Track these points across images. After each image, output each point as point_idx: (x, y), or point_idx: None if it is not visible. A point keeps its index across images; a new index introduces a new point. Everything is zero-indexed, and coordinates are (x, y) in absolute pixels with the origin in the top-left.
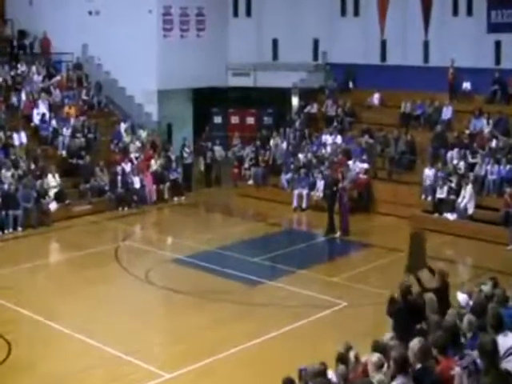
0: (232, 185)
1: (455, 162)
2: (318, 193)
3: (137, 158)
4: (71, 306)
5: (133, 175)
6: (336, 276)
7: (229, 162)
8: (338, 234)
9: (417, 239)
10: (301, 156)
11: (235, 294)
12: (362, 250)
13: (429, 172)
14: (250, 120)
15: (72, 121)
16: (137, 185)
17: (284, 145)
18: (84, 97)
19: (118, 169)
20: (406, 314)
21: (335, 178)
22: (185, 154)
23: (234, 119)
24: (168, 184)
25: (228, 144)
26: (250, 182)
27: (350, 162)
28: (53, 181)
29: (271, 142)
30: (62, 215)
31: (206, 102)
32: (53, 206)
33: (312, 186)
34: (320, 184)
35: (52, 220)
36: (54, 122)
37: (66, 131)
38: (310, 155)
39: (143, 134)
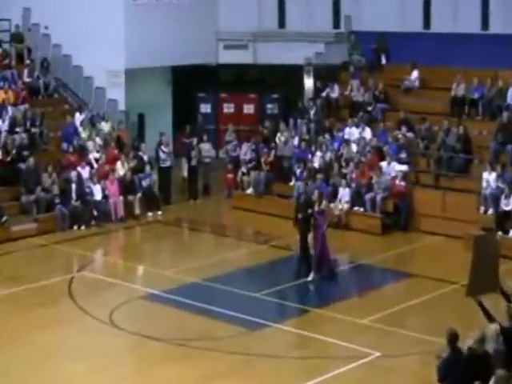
0: (225, 195)
1: None
2: (341, 205)
3: (97, 161)
4: (8, 357)
5: (92, 183)
6: (365, 317)
7: (220, 164)
8: (310, 277)
9: (484, 245)
10: (317, 156)
11: (229, 341)
12: (400, 282)
13: (489, 176)
14: (249, 108)
15: (9, 110)
16: (97, 196)
17: (295, 141)
18: (26, 78)
19: (73, 174)
20: (460, 368)
21: (309, 198)
22: (162, 155)
23: (228, 107)
24: (139, 195)
25: (219, 141)
26: (249, 190)
27: (383, 164)
28: None
29: (277, 138)
30: None
31: (190, 84)
32: None
33: (332, 196)
34: (344, 193)
35: None
36: None
37: (2, 124)
38: (329, 155)
39: (106, 127)
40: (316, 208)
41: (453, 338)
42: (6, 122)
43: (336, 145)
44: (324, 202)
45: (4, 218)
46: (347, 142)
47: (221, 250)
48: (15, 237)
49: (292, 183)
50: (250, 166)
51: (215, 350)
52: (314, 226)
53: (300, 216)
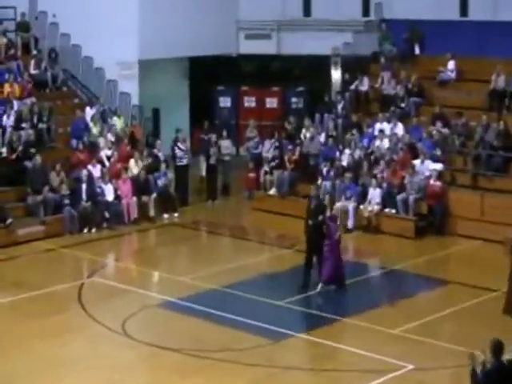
0: (246, 195)
1: None
2: (371, 207)
3: (109, 158)
4: (11, 368)
5: (103, 182)
6: (396, 327)
7: (241, 162)
8: (319, 286)
9: None
10: (345, 154)
11: (251, 352)
12: (434, 289)
13: None
14: (272, 102)
15: (15, 105)
16: (109, 196)
17: (321, 138)
18: (32, 70)
19: (83, 173)
20: (503, 382)
21: (321, 202)
22: (178, 152)
23: (249, 101)
24: (154, 195)
25: (240, 137)
26: (272, 191)
27: (417, 162)
28: None
29: (302, 134)
30: (0, 241)
31: (209, 77)
32: None
33: (362, 197)
34: (374, 194)
35: None
36: None
37: (7, 120)
38: (358, 152)
39: (118, 123)
40: (328, 213)
41: (498, 348)
42: (12, 118)
43: (365, 142)
44: (336, 207)
45: (9, 221)
46: (378, 139)
47: (241, 255)
48: (21, 240)
49: (318, 183)
50: (272, 164)
51: (236, 362)
52: (326, 234)
53: (310, 223)
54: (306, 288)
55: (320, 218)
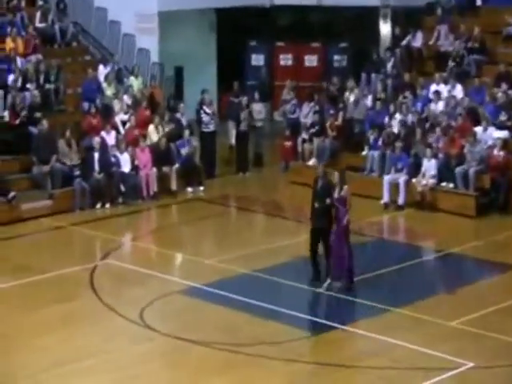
0: (281, 167)
1: None
2: (425, 180)
3: (125, 124)
4: (13, 365)
5: (119, 151)
6: (454, 318)
7: (276, 129)
8: (326, 283)
9: None
10: (396, 119)
11: (288, 346)
12: (498, 276)
13: None
14: (311, 60)
15: (19, 62)
16: (125, 167)
17: (368, 101)
18: (38, 24)
19: (95, 141)
20: None
21: (329, 182)
22: (204, 117)
23: (285, 59)
24: (176, 166)
25: (275, 100)
26: (312, 161)
27: (479, 129)
28: None
29: (346, 97)
30: (1, 218)
31: (239, 31)
32: None
33: (414, 170)
34: (429, 166)
35: None
36: None
37: (9, 79)
38: (410, 118)
39: (136, 84)
40: (336, 194)
41: None
42: (15, 77)
43: (419, 105)
44: (345, 187)
45: (11, 194)
46: (434, 102)
47: (276, 235)
48: (25, 217)
49: (364, 153)
50: (312, 131)
51: (271, 357)
52: (335, 219)
53: (316, 205)
54: (318, 280)
55: (328, 200)
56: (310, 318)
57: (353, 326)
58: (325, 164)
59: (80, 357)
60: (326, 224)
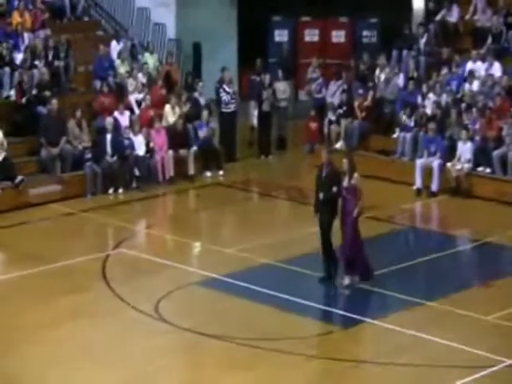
0: (306, 150)
1: None
2: (460, 164)
3: (140, 104)
4: (21, 361)
5: (133, 133)
6: (491, 313)
7: (301, 109)
8: (347, 281)
9: None
10: (429, 99)
11: (314, 342)
12: None
13: None
14: (339, 36)
15: (26, 38)
16: (140, 150)
17: (400, 79)
18: None
19: (108, 122)
20: None
21: (335, 170)
22: (224, 97)
23: (311, 35)
24: (194, 149)
25: (300, 79)
26: (339, 144)
27: None
28: None
29: (376, 76)
30: (8, 203)
31: (262, 5)
32: None
33: (449, 153)
34: (464, 149)
35: None
36: None
37: (16, 56)
38: (445, 97)
39: (151, 61)
40: (345, 183)
41: None
42: (22, 54)
43: (454, 84)
44: (355, 175)
45: (18, 179)
46: (469, 81)
47: (301, 223)
48: (33, 203)
49: (395, 135)
50: (339, 112)
51: (296, 353)
52: (341, 211)
53: (321, 197)
54: (328, 279)
55: (334, 189)
56: (336, 311)
57: (382, 320)
58: (330, 150)
59: (91, 352)
60: (332, 217)
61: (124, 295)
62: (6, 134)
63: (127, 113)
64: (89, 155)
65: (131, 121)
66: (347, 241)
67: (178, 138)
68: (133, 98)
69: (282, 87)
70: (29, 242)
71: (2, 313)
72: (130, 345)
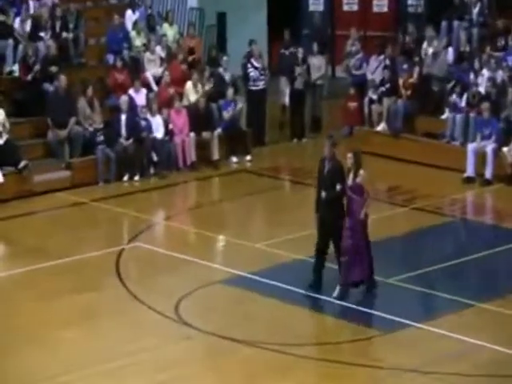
0: (345, 132)
1: None
2: None
3: (158, 81)
4: (25, 365)
5: (150, 113)
6: None
7: (338, 87)
8: (337, 291)
9: None
10: (483, 76)
11: (352, 347)
12: None
13: None
14: (381, 5)
15: (31, 6)
16: (158, 132)
17: (449, 54)
18: None
19: (122, 101)
20: None
21: (338, 165)
22: (252, 73)
23: (349, 4)
24: (219, 131)
25: (337, 53)
26: (381, 126)
27: None
28: None
29: (423, 50)
30: (11, 191)
31: None
32: None
33: (505, 137)
34: None
35: None
36: None
37: (20, 27)
38: (501, 74)
39: (170, 32)
40: (349, 181)
41: None
42: (26, 24)
43: (511, 60)
44: (361, 172)
45: (22, 164)
46: None
47: None
48: (39, 191)
49: (445, 116)
50: (382, 90)
51: (332, 360)
52: (347, 211)
53: (323, 196)
54: (317, 287)
55: (338, 187)
56: (377, 313)
57: (429, 323)
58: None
59: (103, 358)
60: (337, 218)
61: (140, 294)
62: (8, 114)
63: (144, 90)
64: (101, 138)
65: (148, 99)
66: (348, 247)
67: (200, 118)
68: (150, 74)
69: (317, 62)
70: (33, 234)
71: (3, 314)
72: (147, 350)
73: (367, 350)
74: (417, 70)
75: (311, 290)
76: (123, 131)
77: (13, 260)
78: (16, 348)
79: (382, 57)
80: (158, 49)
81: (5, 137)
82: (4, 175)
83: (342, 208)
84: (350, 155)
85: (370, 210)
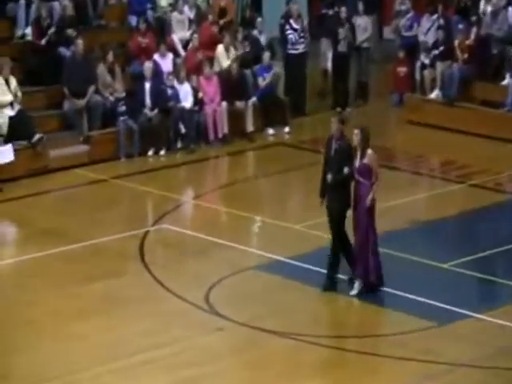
0: (394, 101)
1: None
2: None
3: (186, 45)
4: (39, 360)
5: (177, 81)
6: None
7: (387, 50)
8: (354, 290)
9: None
10: None
11: (402, 340)
12: None
13: None
14: None
15: None
16: (186, 102)
17: (510, 12)
18: None
19: (146, 67)
20: None
21: (347, 144)
22: (290, 35)
23: None
24: (254, 100)
25: (384, 12)
26: (434, 93)
27: None
28: (4, 92)
29: (481, 7)
30: (24, 168)
31: None
32: (3, 152)
33: None
34: None
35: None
36: None
37: None
38: None
39: None
40: (356, 162)
41: None
42: None
43: None
44: (369, 151)
45: (36, 137)
46: None
47: (386, 192)
48: (54, 167)
49: (505, 82)
50: (435, 53)
51: (381, 354)
52: (354, 196)
53: (329, 179)
54: (332, 286)
55: (346, 170)
56: (432, 302)
57: (489, 314)
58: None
59: (126, 351)
60: (343, 205)
61: (167, 281)
62: (20, 83)
63: (170, 55)
64: (123, 108)
65: (175, 65)
66: (359, 233)
67: (232, 86)
68: (177, 38)
69: (363, 23)
70: (49, 215)
71: (16, 303)
72: (175, 342)
73: (418, 343)
74: (474, 30)
75: (328, 288)
76: (147, 101)
77: (25, 244)
78: (26, 342)
79: (435, 16)
80: (186, 9)
81: (17, 107)
82: (16, 150)
83: (349, 193)
84: (356, 131)
85: (377, 195)
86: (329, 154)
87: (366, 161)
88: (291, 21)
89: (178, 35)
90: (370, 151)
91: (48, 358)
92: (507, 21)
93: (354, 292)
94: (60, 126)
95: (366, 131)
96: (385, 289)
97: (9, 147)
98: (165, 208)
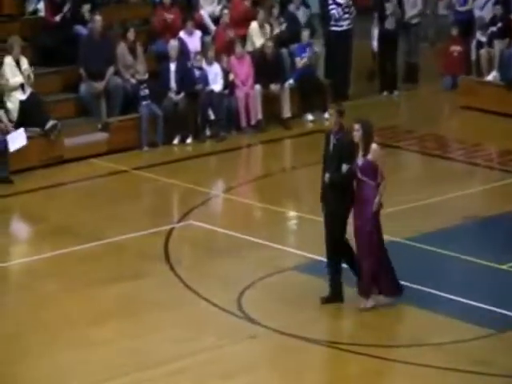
0: (446, 83)
1: None
2: None
3: (216, 21)
4: (62, 369)
5: (206, 61)
6: None
7: (439, 28)
8: (369, 302)
9: None
10: None
11: (457, 348)
12: None
13: None
14: None
15: None
16: (215, 84)
17: None
18: None
19: (172, 46)
20: None
21: (348, 139)
22: (333, 10)
23: None
24: (291, 82)
25: None
26: (491, 76)
27: None
28: (14, 73)
29: None
30: (36, 158)
31: None
32: (15, 137)
33: None
34: None
35: (10, 171)
36: None
37: None
38: None
39: None
40: (359, 160)
41: None
42: None
43: None
44: (373, 146)
45: (50, 123)
46: None
47: (437, 185)
48: (70, 157)
49: None
50: (492, 30)
51: (431, 365)
52: (356, 199)
53: (327, 178)
54: (336, 298)
55: (345, 168)
56: (489, 307)
57: None
58: (341, 110)
59: (151, 360)
60: (345, 206)
61: (193, 283)
62: (32, 64)
63: (198, 33)
64: (145, 92)
65: (203, 44)
66: (361, 242)
67: (267, 67)
68: (206, 13)
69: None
70: (64, 210)
71: (29, 304)
72: (204, 350)
73: (478, 352)
74: None
75: (330, 300)
76: (173, 83)
77: (38, 242)
78: (39, 349)
79: None
80: None
81: (28, 90)
82: (28, 138)
83: (350, 194)
84: (357, 126)
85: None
86: (327, 151)
87: (370, 157)
88: None
89: (207, 10)
90: (374, 146)
91: (65, 367)
92: None
93: (368, 304)
94: (76, 111)
95: (368, 125)
96: (437, 292)
97: (21, 131)
98: (192, 202)
